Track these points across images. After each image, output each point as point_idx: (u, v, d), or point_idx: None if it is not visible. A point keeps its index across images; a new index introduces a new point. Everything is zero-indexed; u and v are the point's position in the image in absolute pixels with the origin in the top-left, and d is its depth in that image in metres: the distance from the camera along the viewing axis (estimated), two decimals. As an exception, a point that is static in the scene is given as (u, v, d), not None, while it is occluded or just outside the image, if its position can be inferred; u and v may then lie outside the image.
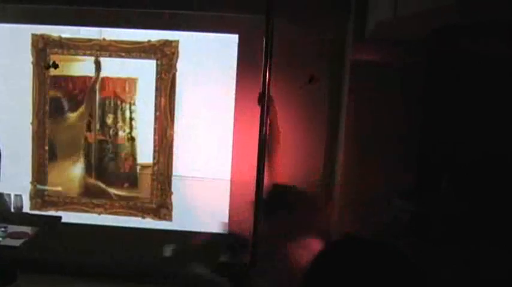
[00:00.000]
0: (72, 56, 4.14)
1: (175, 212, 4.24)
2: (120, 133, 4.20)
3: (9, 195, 3.43)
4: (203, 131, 4.15)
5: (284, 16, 3.29)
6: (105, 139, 4.21)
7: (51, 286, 3.99)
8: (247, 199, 3.24)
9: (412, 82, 3.41)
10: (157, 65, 4.11)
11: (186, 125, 4.16)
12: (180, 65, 4.11)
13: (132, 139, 4.20)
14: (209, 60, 4.08)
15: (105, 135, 4.20)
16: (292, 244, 2.98)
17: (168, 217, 4.23)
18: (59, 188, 4.27)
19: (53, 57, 4.11)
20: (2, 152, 3.48)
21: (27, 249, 3.04)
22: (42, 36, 4.15)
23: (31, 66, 4.18)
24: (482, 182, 2.84)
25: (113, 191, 4.25)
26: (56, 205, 4.28)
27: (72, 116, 4.20)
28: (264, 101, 2.69)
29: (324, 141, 3.98)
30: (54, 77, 4.15)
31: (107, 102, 4.17)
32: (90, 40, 4.12)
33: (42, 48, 4.15)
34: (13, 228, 3.15)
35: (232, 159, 4.10)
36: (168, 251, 3.92)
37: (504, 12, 2.49)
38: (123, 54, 4.11)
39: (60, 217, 3.59)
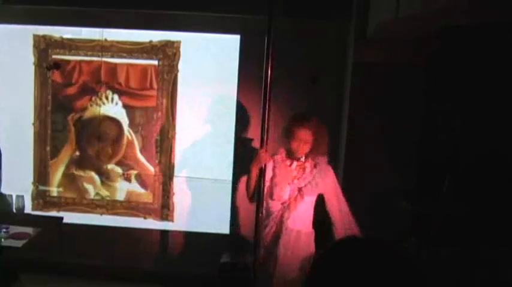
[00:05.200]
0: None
1: (176, 213, 4.24)
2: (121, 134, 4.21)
3: (11, 196, 3.42)
4: (205, 131, 4.15)
5: (286, 17, 3.30)
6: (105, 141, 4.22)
7: (52, 286, 3.99)
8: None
9: (413, 82, 3.41)
10: (158, 65, 4.11)
11: (188, 125, 4.16)
12: (182, 65, 4.12)
13: (133, 140, 4.20)
14: (211, 61, 4.08)
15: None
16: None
17: (169, 217, 4.23)
18: (60, 189, 4.28)
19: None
20: (3, 153, 3.48)
21: (29, 250, 3.04)
22: (43, 37, 4.15)
23: (33, 67, 4.18)
24: (483, 183, 2.84)
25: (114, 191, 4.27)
26: (57, 206, 4.29)
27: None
28: (266, 100, 2.69)
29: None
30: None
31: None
32: (91, 41, 4.13)
33: (44, 49, 4.16)
34: (15, 229, 3.14)
35: (234, 160, 4.10)
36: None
37: (504, 13, 2.49)
38: (125, 55, 4.11)
39: (61, 218, 3.58)
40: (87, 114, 4.19)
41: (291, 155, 2.93)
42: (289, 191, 2.91)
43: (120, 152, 4.21)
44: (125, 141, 4.19)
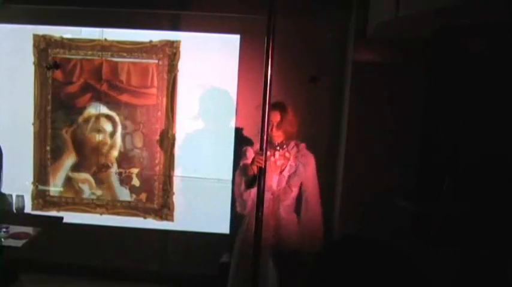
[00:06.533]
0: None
1: (176, 213, 4.24)
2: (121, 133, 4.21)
3: (11, 196, 3.43)
4: (205, 131, 4.15)
5: (285, 16, 3.29)
6: (105, 140, 4.22)
7: (52, 286, 3.99)
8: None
9: (413, 82, 3.41)
10: (158, 65, 4.11)
11: (187, 125, 4.16)
12: (182, 65, 4.11)
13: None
14: (211, 61, 4.08)
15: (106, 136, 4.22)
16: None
17: (169, 217, 4.23)
18: (61, 189, 4.28)
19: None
20: (3, 152, 3.49)
21: (29, 249, 3.04)
22: (43, 36, 4.15)
23: (33, 66, 4.18)
24: (483, 183, 2.84)
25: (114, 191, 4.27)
26: (57, 206, 4.29)
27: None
28: (266, 101, 2.69)
29: (325, 141, 3.98)
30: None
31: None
32: (91, 41, 4.13)
33: (44, 49, 4.16)
34: (15, 228, 3.14)
35: (234, 160, 4.10)
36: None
37: (503, 13, 2.49)
38: (125, 54, 4.11)
39: (61, 218, 3.59)
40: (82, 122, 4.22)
41: (272, 146, 3.06)
42: (277, 181, 3.05)
43: (117, 146, 4.22)
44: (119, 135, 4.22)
